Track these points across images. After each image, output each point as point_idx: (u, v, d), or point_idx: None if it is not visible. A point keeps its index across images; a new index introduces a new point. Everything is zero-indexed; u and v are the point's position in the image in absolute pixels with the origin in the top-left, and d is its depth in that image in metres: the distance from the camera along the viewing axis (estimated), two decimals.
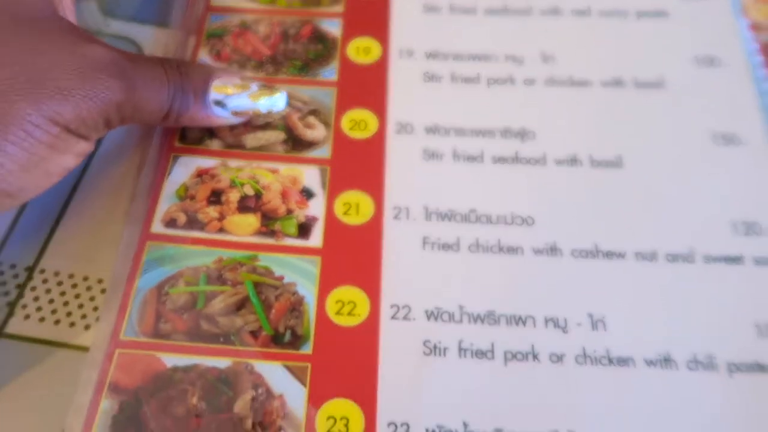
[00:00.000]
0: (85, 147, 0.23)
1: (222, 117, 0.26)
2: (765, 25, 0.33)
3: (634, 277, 0.25)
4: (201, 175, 0.27)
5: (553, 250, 0.26)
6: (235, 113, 0.27)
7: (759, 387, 0.23)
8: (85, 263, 0.25)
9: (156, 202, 0.26)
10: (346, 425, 0.22)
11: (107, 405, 0.22)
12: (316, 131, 0.29)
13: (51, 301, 0.24)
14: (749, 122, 0.29)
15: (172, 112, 0.25)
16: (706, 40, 0.31)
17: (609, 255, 0.26)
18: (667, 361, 0.23)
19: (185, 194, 0.26)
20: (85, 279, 0.25)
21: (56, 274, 0.25)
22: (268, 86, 0.27)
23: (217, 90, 0.26)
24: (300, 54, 0.31)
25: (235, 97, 0.26)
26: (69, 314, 0.24)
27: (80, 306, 0.24)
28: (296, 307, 0.24)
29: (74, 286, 0.25)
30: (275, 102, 0.27)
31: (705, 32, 0.32)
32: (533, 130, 0.29)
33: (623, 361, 0.23)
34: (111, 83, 0.22)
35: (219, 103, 0.26)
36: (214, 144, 0.28)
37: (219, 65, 0.30)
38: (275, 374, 0.22)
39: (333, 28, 0.32)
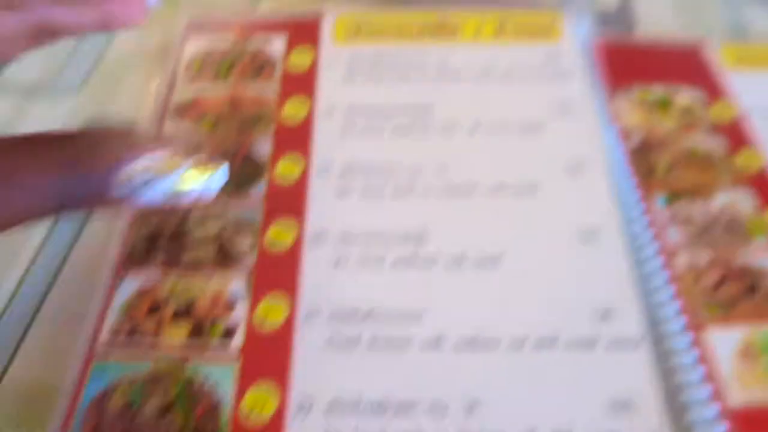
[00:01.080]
0: None
1: (146, 200, 0.21)
2: (637, 129, 0.39)
3: (506, 363, 0.30)
4: (141, 293, 0.32)
5: (438, 341, 0.30)
6: (162, 197, 0.22)
7: None
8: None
9: (102, 323, 0.31)
10: None
11: None
12: (244, 245, 0.34)
13: None
14: (607, 221, 0.34)
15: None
16: (575, 149, 0.37)
17: (486, 343, 0.30)
18: None
19: (127, 312, 0.31)
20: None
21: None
22: (202, 163, 0.23)
23: (139, 169, 0.21)
24: (234, 174, 0.36)
25: (163, 177, 0.21)
26: None
27: None
28: (217, 407, 0.28)
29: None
30: (210, 182, 0.23)
31: (575, 143, 0.37)
32: (428, 232, 0.34)
33: None
34: None
35: (140, 185, 0.21)
36: (156, 259, 0.33)
37: None
38: None
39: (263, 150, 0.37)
